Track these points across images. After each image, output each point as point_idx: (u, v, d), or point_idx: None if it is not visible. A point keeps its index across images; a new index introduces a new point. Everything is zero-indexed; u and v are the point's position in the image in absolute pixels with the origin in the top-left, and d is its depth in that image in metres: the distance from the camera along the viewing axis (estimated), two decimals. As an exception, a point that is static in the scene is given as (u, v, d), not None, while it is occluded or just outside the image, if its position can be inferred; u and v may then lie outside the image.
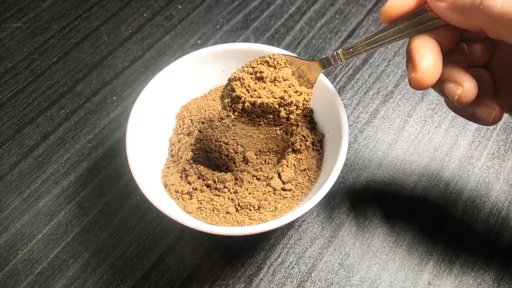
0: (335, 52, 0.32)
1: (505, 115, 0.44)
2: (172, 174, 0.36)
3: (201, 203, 0.35)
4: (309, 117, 0.39)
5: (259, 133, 0.38)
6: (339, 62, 0.32)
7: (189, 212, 0.34)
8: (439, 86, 0.28)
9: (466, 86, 0.27)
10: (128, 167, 0.34)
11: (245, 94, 0.30)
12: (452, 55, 0.29)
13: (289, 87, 0.31)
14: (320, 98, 0.38)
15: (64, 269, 0.37)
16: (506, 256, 0.37)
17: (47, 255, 0.37)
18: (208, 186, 0.36)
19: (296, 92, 0.31)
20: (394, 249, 0.37)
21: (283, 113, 0.31)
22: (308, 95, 0.31)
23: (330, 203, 0.40)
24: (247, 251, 0.37)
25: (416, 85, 0.27)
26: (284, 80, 0.31)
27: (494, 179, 0.41)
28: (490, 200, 0.40)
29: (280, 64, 0.32)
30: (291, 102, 0.30)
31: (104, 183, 0.41)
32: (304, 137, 0.38)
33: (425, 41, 0.27)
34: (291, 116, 0.31)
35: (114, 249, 0.38)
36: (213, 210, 0.34)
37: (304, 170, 0.36)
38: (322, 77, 0.37)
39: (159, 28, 0.52)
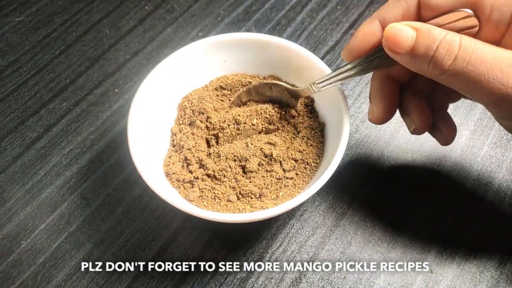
0: (309, 84, 0.35)
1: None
2: (173, 163, 0.37)
3: (202, 192, 0.35)
4: (310, 106, 0.39)
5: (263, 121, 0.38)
6: (313, 92, 0.36)
7: (191, 201, 0.34)
8: (402, 117, 0.34)
9: (418, 124, 0.32)
10: (130, 159, 0.34)
11: None
12: (414, 83, 0.33)
13: None
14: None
15: (67, 259, 0.37)
16: (508, 244, 0.37)
17: (50, 245, 0.38)
18: (208, 175, 0.36)
19: None
20: (396, 238, 0.37)
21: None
22: None
23: (331, 192, 0.40)
24: (249, 240, 0.37)
25: (375, 122, 0.33)
26: None
27: (496, 168, 0.41)
28: (492, 189, 0.40)
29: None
30: None
31: (107, 174, 0.41)
32: (305, 126, 0.38)
33: (383, 83, 0.32)
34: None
35: (116, 239, 0.38)
36: (215, 198, 0.34)
37: (306, 158, 0.36)
38: (324, 68, 0.37)
39: (160, 21, 0.52)
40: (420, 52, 0.26)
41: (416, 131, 0.33)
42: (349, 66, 0.32)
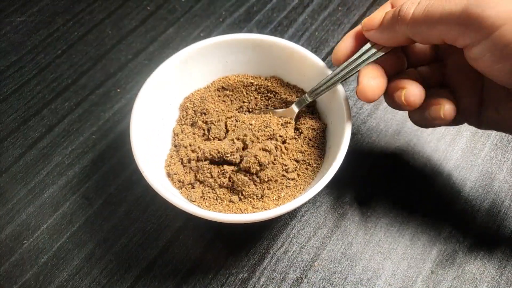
0: (303, 96, 0.38)
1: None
2: (175, 164, 0.37)
3: (204, 192, 0.35)
4: (312, 107, 0.40)
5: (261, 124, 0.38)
6: (307, 102, 0.37)
7: (193, 201, 0.34)
8: (392, 100, 0.32)
9: (409, 88, 0.31)
10: (132, 159, 0.34)
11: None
12: (401, 75, 0.33)
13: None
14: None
15: (69, 259, 0.37)
16: (508, 245, 0.37)
17: (52, 245, 0.38)
18: (199, 181, 0.36)
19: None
20: (397, 239, 0.37)
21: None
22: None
23: (332, 193, 0.40)
24: (251, 240, 0.38)
25: (361, 96, 0.32)
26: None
27: (497, 169, 0.41)
28: (493, 190, 0.40)
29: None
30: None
31: (109, 174, 0.41)
32: (306, 127, 0.38)
33: (367, 66, 0.33)
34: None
35: (118, 239, 0.38)
36: (216, 199, 0.35)
37: (307, 159, 0.36)
38: (325, 69, 0.37)
39: (162, 21, 0.53)
40: (388, 18, 0.30)
41: (408, 95, 0.31)
42: (337, 70, 0.34)
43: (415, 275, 0.36)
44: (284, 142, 0.37)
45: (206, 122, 0.39)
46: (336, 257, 0.37)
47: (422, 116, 0.33)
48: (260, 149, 0.35)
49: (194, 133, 0.38)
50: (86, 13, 0.53)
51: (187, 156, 0.37)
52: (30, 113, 0.46)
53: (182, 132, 0.39)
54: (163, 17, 0.53)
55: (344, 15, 0.52)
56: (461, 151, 0.42)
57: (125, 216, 0.39)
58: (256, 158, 0.35)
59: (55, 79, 0.48)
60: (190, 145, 0.37)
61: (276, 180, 0.35)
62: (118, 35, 0.51)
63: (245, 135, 0.36)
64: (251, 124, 0.38)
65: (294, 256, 0.37)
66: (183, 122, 0.40)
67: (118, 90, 0.47)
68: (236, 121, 0.38)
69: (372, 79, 0.32)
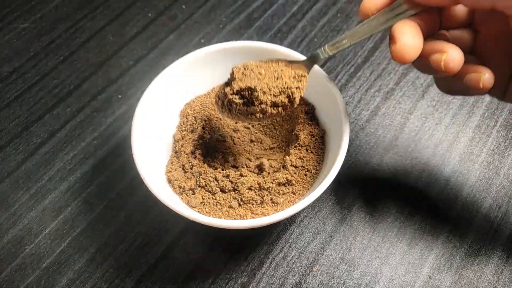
0: (318, 50, 0.33)
1: (506, 111, 0.45)
2: (175, 170, 0.37)
3: (204, 198, 0.35)
4: (310, 114, 0.40)
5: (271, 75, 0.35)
6: (326, 55, 0.33)
7: (193, 207, 0.35)
8: (426, 63, 0.29)
9: (450, 52, 0.27)
10: (133, 164, 0.34)
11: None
12: (436, 37, 0.30)
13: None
14: (322, 95, 0.38)
15: (70, 264, 0.37)
16: (505, 250, 0.37)
17: (53, 249, 0.38)
18: (200, 186, 0.36)
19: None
20: (395, 244, 0.38)
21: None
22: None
23: (331, 198, 0.40)
24: (250, 246, 0.38)
25: (397, 57, 0.28)
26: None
27: (494, 174, 0.41)
28: (490, 195, 0.40)
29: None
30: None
31: (110, 180, 0.42)
32: (305, 133, 0.38)
33: (403, 22, 0.28)
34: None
35: (119, 243, 0.38)
36: (216, 204, 0.35)
37: (306, 165, 0.37)
38: (323, 75, 0.38)
39: (163, 27, 0.53)
40: None
41: (449, 60, 0.27)
42: (363, 24, 0.30)
43: (412, 280, 0.36)
44: (293, 100, 0.33)
45: (205, 128, 0.39)
46: (334, 262, 0.37)
47: (455, 83, 0.30)
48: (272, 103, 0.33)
49: (194, 140, 0.39)
50: (87, 19, 0.54)
51: (189, 162, 0.37)
52: (32, 118, 0.46)
53: (182, 138, 0.39)
54: (164, 23, 0.54)
55: (343, 22, 0.53)
56: (458, 157, 0.42)
57: (126, 221, 0.39)
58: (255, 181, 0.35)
59: (57, 85, 0.48)
60: (191, 152, 0.38)
61: (277, 188, 0.36)
62: (120, 41, 0.52)
63: (254, 87, 0.32)
64: (260, 74, 0.34)
65: (293, 261, 0.37)
66: (183, 128, 0.40)
67: (120, 96, 0.48)
68: (245, 69, 0.34)
69: (412, 38, 0.27)
